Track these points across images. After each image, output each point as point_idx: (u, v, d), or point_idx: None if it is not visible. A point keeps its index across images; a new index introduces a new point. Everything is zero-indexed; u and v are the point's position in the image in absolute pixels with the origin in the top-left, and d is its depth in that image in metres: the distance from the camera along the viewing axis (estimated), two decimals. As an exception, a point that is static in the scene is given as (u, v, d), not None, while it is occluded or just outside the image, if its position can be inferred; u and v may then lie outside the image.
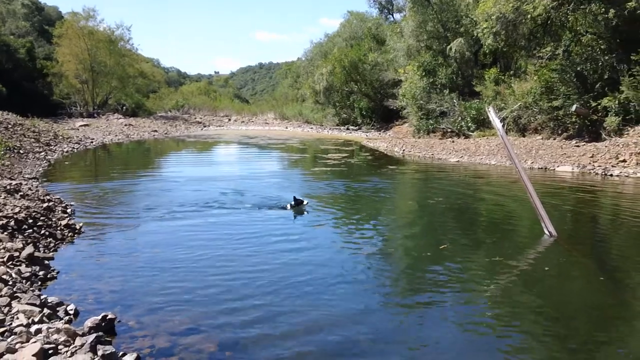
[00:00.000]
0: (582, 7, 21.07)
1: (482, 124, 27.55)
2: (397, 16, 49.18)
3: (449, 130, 30.25)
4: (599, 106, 20.24)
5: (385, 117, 45.09)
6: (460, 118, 29.52)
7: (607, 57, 21.04)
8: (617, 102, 19.56)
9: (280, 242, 8.75)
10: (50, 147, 23.77)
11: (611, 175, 16.63)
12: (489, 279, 7.09)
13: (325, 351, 4.89)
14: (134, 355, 4.53)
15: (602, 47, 21.39)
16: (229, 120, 67.66)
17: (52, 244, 7.99)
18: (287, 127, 55.57)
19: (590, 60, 21.62)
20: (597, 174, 16.99)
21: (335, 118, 52.13)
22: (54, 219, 9.20)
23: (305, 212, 11.20)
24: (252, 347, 4.88)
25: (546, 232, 8.95)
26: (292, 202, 11.34)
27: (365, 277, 7.04)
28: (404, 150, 27.70)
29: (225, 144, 35.82)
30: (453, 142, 27.78)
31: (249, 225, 9.97)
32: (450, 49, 31.61)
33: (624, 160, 17.35)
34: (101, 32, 54.39)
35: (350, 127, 47.74)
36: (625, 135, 19.18)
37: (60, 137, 28.02)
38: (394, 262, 8.16)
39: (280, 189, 14.74)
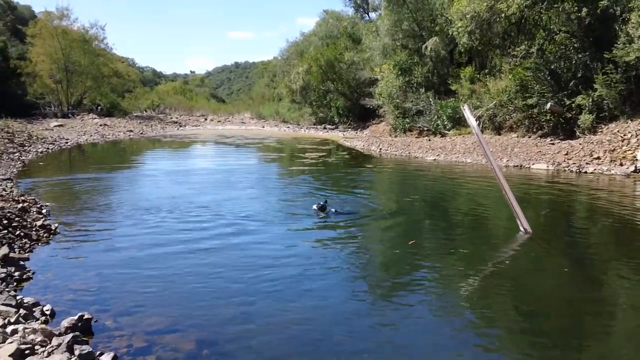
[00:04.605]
0: (555, 5, 21.34)
1: (458, 122, 27.74)
2: (373, 15, 49.51)
3: (426, 129, 30.41)
4: (573, 104, 20.50)
5: (362, 116, 45.27)
6: (436, 117, 29.68)
7: (580, 56, 21.31)
8: (590, 100, 19.82)
9: (257, 241, 8.72)
10: (25, 148, 23.42)
11: (585, 172, 16.89)
12: (463, 275, 7.14)
13: (300, 347, 4.90)
14: (111, 354, 4.48)
15: (575, 45, 21.65)
16: (206, 120, 67.44)
17: (27, 245, 7.87)
18: (263, 127, 55.51)
19: (564, 59, 21.88)
20: (571, 171, 17.24)
21: (312, 117, 52.21)
22: (29, 220, 9.07)
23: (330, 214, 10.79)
24: (230, 344, 4.87)
25: (521, 228, 9.05)
26: (323, 206, 10.77)
27: (339, 276, 7.05)
28: (380, 149, 27.83)
29: (202, 144, 35.60)
30: (429, 140, 27.94)
31: (226, 226, 9.85)
32: (426, 47, 31.75)
33: (598, 158, 17.62)
34: (75, 31, 53.69)
35: (327, 126, 47.83)
36: (599, 133, 19.46)
37: (35, 138, 27.64)
38: (368, 259, 8.21)
39: (259, 188, 14.77)
